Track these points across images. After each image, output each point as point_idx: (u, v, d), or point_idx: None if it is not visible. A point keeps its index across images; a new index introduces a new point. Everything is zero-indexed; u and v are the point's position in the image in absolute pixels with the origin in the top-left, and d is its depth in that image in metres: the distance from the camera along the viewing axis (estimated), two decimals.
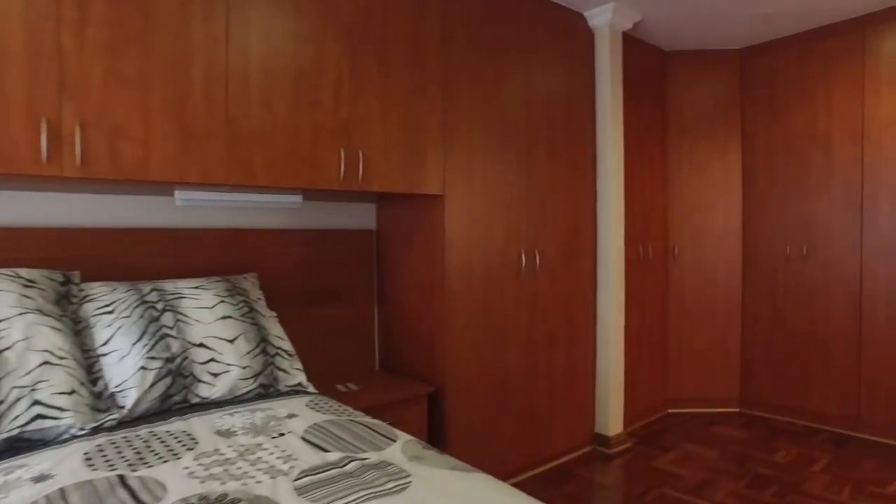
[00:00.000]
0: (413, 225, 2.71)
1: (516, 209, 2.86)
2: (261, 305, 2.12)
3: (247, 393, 1.87)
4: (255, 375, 1.89)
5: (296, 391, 2.00)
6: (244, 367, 1.86)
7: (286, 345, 2.06)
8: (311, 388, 2.04)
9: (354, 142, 2.24)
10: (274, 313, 2.17)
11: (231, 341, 1.88)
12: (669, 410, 4.03)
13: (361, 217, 2.89)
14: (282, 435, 1.53)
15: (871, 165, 3.41)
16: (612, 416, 3.30)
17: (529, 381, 2.92)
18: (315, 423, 1.62)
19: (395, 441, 1.51)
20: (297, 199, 2.45)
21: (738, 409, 4.02)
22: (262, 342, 1.97)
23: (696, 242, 4.01)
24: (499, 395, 2.77)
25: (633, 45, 3.64)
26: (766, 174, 3.88)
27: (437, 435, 2.59)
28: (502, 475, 2.80)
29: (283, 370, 1.99)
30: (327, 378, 2.63)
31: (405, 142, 2.40)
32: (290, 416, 1.69)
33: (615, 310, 3.33)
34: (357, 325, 2.82)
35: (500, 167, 2.79)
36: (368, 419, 1.71)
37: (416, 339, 2.71)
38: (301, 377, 2.04)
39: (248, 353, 1.90)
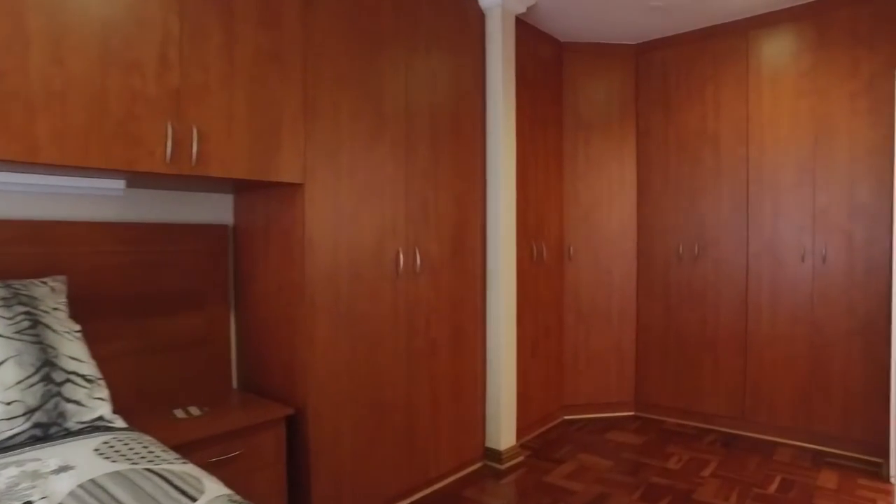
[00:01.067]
0: (271, 219, 2.31)
1: (393, 204, 2.53)
2: (55, 318, 1.64)
3: (13, 437, 1.40)
4: (29, 412, 1.43)
5: (95, 428, 1.55)
6: (9, 403, 1.40)
7: (85, 368, 1.61)
8: (119, 422, 1.60)
9: (187, 115, 1.82)
10: (77, 327, 1.70)
11: None
12: (565, 417, 3.87)
13: (215, 209, 2.45)
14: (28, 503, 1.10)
15: (756, 166, 3.43)
16: (503, 429, 3.06)
17: (409, 396, 2.61)
18: (91, 480, 1.20)
19: (196, 499, 1.14)
20: (119, 184, 1.99)
21: (633, 413, 3.95)
22: (46, 366, 1.51)
23: (592, 242, 3.88)
24: (373, 413, 2.43)
25: (528, 31, 3.44)
26: (660, 172, 3.83)
27: (299, 465, 2.21)
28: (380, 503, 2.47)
29: (76, 402, 1.54)
30: (167, 402, 2.17)
31: (255, 118, 2.01)
32: (62, 469, 1.26)
33: (507, 313, 3.09)
34: (208, 338, 2.38)
35: (374, 155, 2.45)
36: (175, 466, 1.31)
37: (275, 353, 2.31)
38: (103, 409, 1.59)
39: (20, 382, 1.44)
